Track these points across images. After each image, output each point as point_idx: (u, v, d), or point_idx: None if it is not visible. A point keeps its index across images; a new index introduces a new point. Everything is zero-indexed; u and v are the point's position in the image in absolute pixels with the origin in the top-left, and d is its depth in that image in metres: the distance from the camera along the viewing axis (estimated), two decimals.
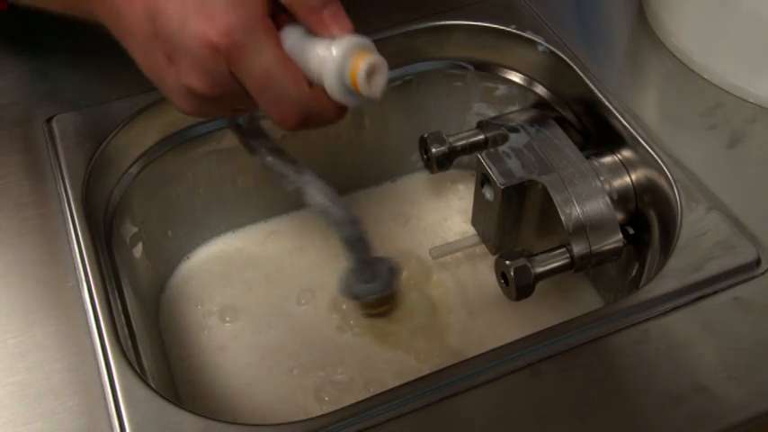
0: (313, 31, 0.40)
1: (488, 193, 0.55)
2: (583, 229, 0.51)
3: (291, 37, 0.40)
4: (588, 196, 0.52)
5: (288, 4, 0.40)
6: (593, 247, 0.51)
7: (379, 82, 0.40)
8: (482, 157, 0.54)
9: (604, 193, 0.52)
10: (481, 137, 0.59)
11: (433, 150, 0.59)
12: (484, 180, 0.55)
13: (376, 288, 0.57)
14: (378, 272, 0.56)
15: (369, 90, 0.40)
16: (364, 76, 0.39)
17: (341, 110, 0.42)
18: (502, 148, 0.55)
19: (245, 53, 0.39)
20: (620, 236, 0.52)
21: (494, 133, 0.57)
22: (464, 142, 0.59)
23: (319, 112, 0.42)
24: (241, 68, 0.39)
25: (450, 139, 0.59)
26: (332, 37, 0.40)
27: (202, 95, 0.41)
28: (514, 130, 0.56)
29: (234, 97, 0.41)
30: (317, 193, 0.49)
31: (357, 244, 0.52)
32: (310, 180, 0.50)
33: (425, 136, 0.60)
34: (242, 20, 0.39)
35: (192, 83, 0.40)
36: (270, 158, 0.49)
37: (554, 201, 0.51)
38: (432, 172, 0.60)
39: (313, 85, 0.41)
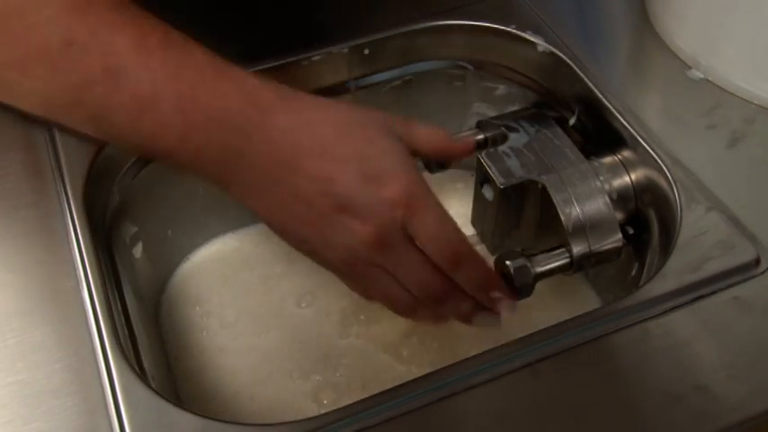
0: None
1: (488, 193, 0.55)
2: (582, 228, 0.51)
3: None
4: (588, 196, 0.52)
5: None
6: (593, 247, 0.51)
7: None
8: (482, 156, 0.54)
9: (604, 192, 0.52)
10: (481, 136, 0.59)
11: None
12: (483, 180, 0.55)
13: None
14: None
15: None
16: None
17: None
18: (502, 148, 0.55)
19: (419, 205, 0.44)
20: (620, 236, 0.52)
21: (493, 133, 0.57)
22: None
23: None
24: (415, 219, 0.44)
25: None
26: None
27: (368, 244, 0.44)
28: (514, 129, 0.56)
29: (393, 255, 0.45)
30: None
31: None
32: None
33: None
34: (416, 179, 0.45)
35: (362, 230, 0.44)
36: None
37: (554, 200, 0.51)
38: (431, 172, 0.60)
39: None
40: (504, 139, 0.56)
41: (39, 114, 0.46)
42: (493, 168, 0.53)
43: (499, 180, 0.53)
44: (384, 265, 0.46)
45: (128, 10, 0.44)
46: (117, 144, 0.50)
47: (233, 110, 0.44)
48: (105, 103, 0.43)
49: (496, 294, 0.48)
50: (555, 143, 0.55)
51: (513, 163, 0.53)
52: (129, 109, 0.43)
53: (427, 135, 0.50)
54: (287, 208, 0.46)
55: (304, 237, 0.47)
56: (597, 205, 0.52)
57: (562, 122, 0.58)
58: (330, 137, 0.45)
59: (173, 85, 0.43)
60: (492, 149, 0.55)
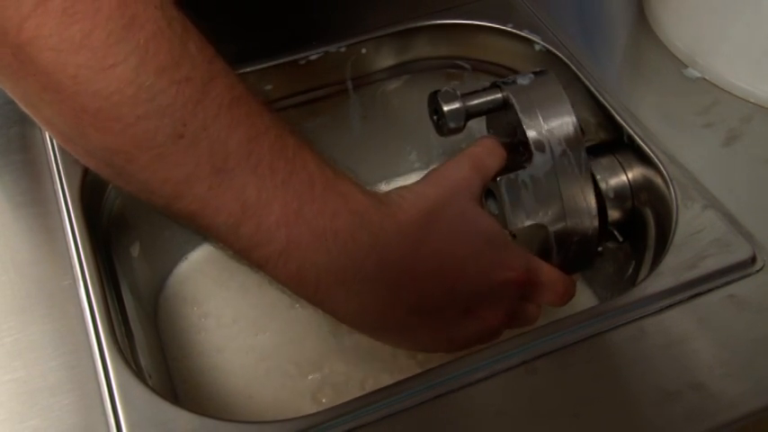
0: None
1: (492, 207, 0.52)
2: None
3: None
4: (582, 251, 0.52)
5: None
6: None
7: None
8: (500, 181, 0.50)
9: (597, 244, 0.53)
10: (498, 96, 0.51)
11: (446, 109, 0.51)
12: (489, 194, 0.52)
13: None
14: None
15: None
16: None
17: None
18: (522, 176, 0.50)
19: (533, 274, 0.48)
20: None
21: (507, 93, 0.51)
22: (480, 100, 0.51)
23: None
24: (535, 284, 0.48)
25: (462, 95, 0.52)
26: None
27: (496, 328, 0.48)
28: (541, 148, 0.50)
29: (517, 320, 0.50)
30: None
31: None
32: None
33: (436, 93, 0.52)
34: (525, 255, 0.48)
35: (493, 320, 0.47)
36: None
37: (552, 253, 0.51)
38: (443, 135, 0.52)
39: None
40: (529, 158, 0.50)
41: (141, 198, 0.43)
42: (507, 203, 0.50)
43: (509, 220, 0.50)
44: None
45: (244, 106, 0.41)
46: (216, 241, 0.47)
47: (341, 233, 0.42)
48: (208, 201, 0.41)
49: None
50: (576, 176, 0.50)
51: (528, 198, 0.50)
52: (232, 212, 0.41)
53: (491, 159, 0.51)
54: (404, 327, 0.46)
55: (422, 345, 0.50)
56: (587, 259, 0.52)
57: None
58: (439, 243, 0.46)
59: (279, 195, 0.41)
60: (512, 175, 0.50)
